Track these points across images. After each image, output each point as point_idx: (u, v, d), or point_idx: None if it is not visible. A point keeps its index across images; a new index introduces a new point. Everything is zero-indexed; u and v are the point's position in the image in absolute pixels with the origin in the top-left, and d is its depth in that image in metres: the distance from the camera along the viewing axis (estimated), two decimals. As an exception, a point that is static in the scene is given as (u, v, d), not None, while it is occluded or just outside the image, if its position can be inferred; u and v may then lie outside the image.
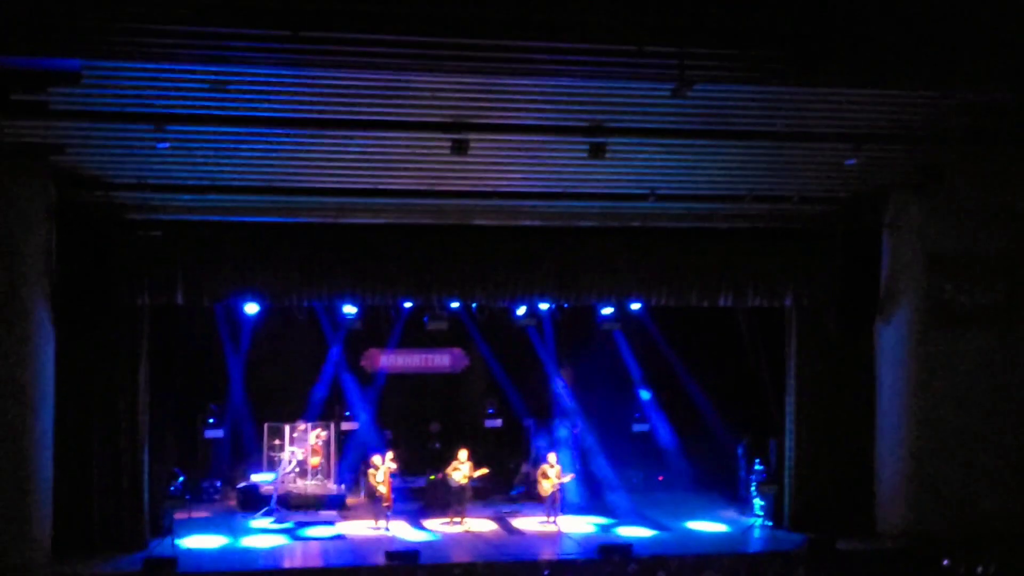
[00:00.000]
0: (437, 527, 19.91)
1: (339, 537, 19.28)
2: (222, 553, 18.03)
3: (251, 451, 21.87)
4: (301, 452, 21.76)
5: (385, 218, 18.36)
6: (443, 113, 15.38)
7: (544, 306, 20.76)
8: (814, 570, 16.16)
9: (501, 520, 20.55)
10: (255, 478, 21.43)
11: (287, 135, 15.86)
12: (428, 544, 18.66)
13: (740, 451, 21.41)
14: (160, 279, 17.58)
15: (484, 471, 20.48)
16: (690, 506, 21.50)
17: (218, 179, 16.93)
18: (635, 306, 20.58)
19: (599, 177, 17.53)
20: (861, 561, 17.75)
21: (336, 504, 21.14)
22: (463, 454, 20.26)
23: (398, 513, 20.06)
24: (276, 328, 20.81)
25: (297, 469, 21.66)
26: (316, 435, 22.00)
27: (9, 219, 16.39)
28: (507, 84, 14.81)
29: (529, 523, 20.27)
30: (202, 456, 21.76)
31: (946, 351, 18.92)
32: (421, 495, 21.42)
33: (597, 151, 15.98)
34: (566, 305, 20.29)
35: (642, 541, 18.70)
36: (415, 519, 20.37)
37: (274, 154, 16.38)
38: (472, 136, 15.58)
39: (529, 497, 21.41)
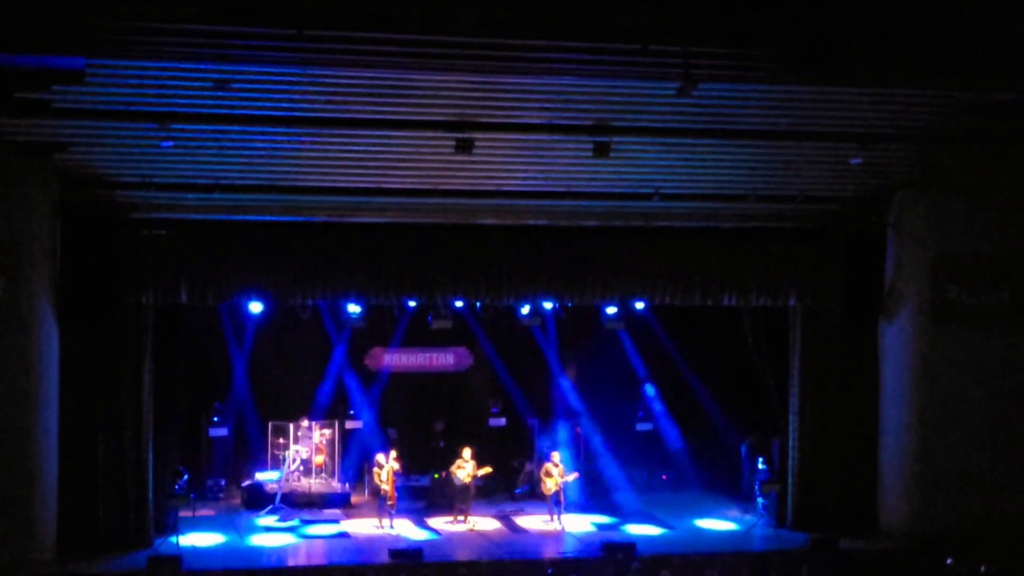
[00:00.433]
0: (441, 525, 19.91)
1: (343, 535, 19.29)
2: (226, 551, 18.05)
3: (255, 450, 21.89)
4: (305, 451, 21.77)
5: (389, 217, 18.37)
6: (447, 112, 15.40)
7: (548, 305, 20.73)
8: (817, 569, 16.17)
9: (505, 519, 20.55)
10: (259, 476, 21.44)
11: (291, 134, 15.88)
12: (432, 542, 18.66)
13: (744, 450, 21.41)
14: (164, 278, 17.57)
15: (488, 470, 20.46)
16: (694, 505, 21.48)
17: (222, 178, 16.94)
18: (639, 305, 20.56)
19: (603, 176, 17.53)
20: (864, 560, 17.76)
21: (340, 502, 21.15)
22: (467, 453, 20.26)
23: (402, 511, 20.06)
24: (280, 327, 20.82)
25: (301, 468, 21.66)
26: (320, 434, 22.00)
27: (13, 218, 16.41)
28: (511, 83, 14.82)
29: (533, 522, 20.27)
30: (206, 454, 21.77)
31: (950, 351, 18.91)
32: (425, 494, 21.44)
33: (601, 150, 15.99)
34: (570, 304, 20.27)
35: (645, 539, 18.72)
36: (419, 517, 20.37)
37: (278, 153, 16.40)
38: (476, 135, 15.60)
39: (533, 496, 21.41)
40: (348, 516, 20.52)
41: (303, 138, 16.03)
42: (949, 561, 15.47)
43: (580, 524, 20.10)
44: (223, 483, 21.74)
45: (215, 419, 21.12)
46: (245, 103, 14.82)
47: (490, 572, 16.85)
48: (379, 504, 19.86)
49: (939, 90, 15.38)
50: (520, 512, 20.97)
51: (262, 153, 16.36)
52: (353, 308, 19.54)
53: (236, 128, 15.59)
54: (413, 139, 16.13)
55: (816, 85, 15.14)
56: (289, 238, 18.13)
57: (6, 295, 16.33)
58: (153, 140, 15.23)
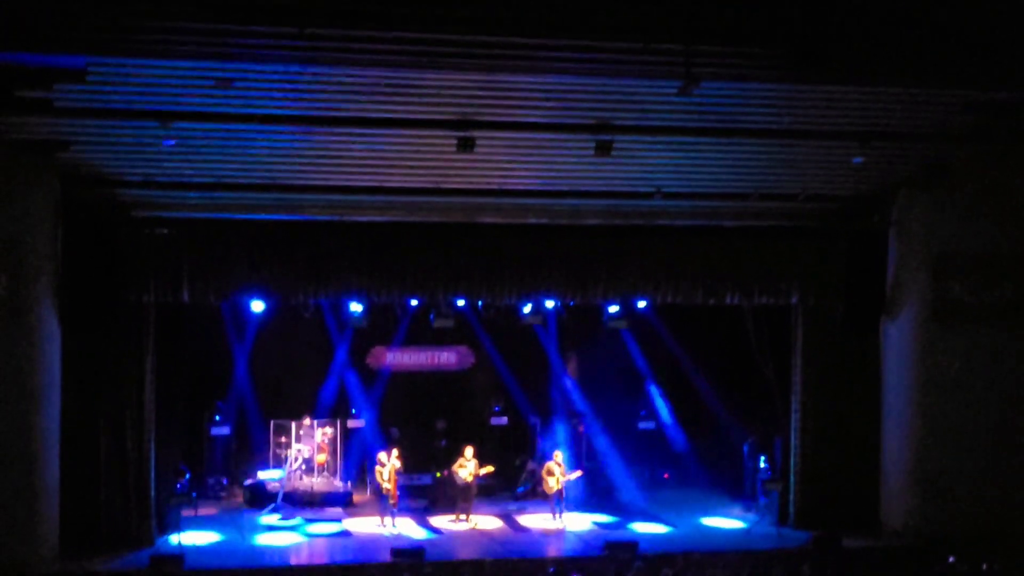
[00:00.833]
0: (443, 524, 19.92)
1: (345, 534, 19.31)
2: (228, 550, 18.06)
3: (257, 448, 21.91)
4: (307, 449, 21.78)
5: (391, 216, 18.37)
6: (449, 111, 15.38)
7: (550, 304, 20.74)
8: (819, 567, 16.14)
9: (507, 517, 20.56)
10: (261, 475, 21.45)
11: (293, 132, 15.88)
12: (434, 541, 18.67)
13: (746, 449, 21.39)
14: (166, 277, 17.57)
15: (490, 468, 20.48)
16: (696, 504, 21.47)
17: (224, 176, 16.94)
18: (641, 304, 20.57)
19: (605, 175, 17.51)
20: (866, 558, 17.76)
21: (342, 501, 21.16)
22: (469, 451, 20.27)
23: (404, 510, 20.07)
24: (282, 326, 20.80)
25: (303, 466, 21.68)
26: (322, 432, 22.01)
27: (15, 216, 16.40)
28: (513, 81, 14.81)
29: (535, 520, 20.28)
30: (209, 453, 21.76)
31: (952, 349, 18.89)
32: (427, 492, 21.45)
33: (603, 148, 15.99)
34: (572, 303, 20.25)
35: (648, 538, 18.72)
36: (421, 516, 20.38)
37: (280, 151, 16.38)
38: (478, 134, 15.60)
39: (534, 495, 21.40)
40: (350, 515, 20.53)
41: (305, 136, 16.03)
42: (951, 559, 15.45)
43: (582, 523, 20.12)
44: (225, 482, 21.76)
45: (217, 418, 21.17)
46: (247, 102, 14.82)
47: (492, 571, 16.85)
48: (381, 503, 19.86)
49: (940, 89, 15.37)
50: (522, 511, 20.98)
51: (264, 152, 16.34)
52: (355, 307, 19.53)
53: (238, 127, 15.57)
54: (415, 138, 16.12)
55: (818, 84, 15.12)
56: (291, 237, 18.14)
57: (8, 293, 16.32)
58: (155, 139, 15.23)
